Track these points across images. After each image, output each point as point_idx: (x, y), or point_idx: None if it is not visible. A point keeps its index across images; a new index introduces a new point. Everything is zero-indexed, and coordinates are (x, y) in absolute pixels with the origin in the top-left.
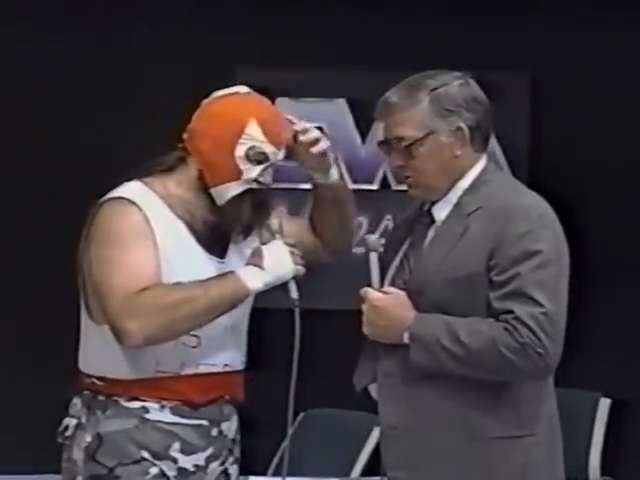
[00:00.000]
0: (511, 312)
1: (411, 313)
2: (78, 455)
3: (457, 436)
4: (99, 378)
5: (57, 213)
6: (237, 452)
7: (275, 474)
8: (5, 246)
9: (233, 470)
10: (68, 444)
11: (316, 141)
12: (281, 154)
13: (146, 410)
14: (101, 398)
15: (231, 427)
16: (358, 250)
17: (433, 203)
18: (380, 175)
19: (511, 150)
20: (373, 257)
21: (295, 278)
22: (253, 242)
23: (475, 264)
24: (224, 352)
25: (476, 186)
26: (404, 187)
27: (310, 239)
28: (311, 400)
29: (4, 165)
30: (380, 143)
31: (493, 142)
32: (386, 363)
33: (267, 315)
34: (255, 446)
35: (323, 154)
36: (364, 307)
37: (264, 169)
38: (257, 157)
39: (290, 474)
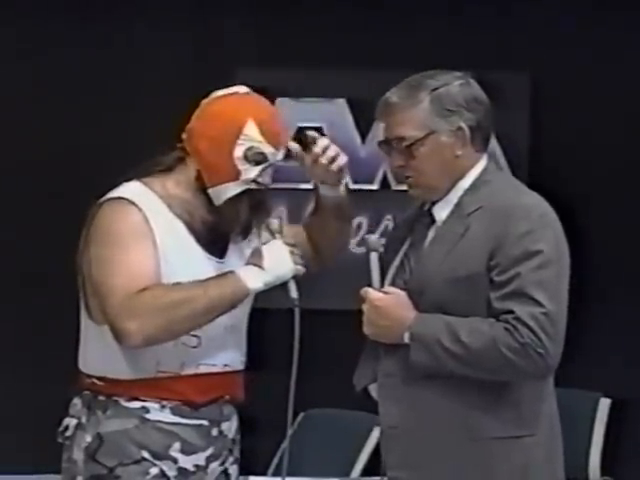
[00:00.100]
0: (512, 312)
1: (411, 313)
2: (78, 455)
3: (457, 436)
4: (99, 378)
5: (57, 213)
6: (237, 452)
7: (275, 474)
8: (5, 246)
9: (233, 470)
10: (68, 444)
11: (335, 157)
12: (280, 154)
13: (146, 410)
14: (101, 398)
15: (231, 427)
16: (358, 250)
17: (433, 203)
18: (380, 175)
19: (511, 150)
20: (373, 257)
21: (295, 278)
22: (253, 242)
23: (476, 264)
24: (224, 352)
25: (477, 186)
26: (404, 187)
27: (305, 247)
28: (311, 400)
29: (4, 165)
30: (380, 143)
31: (493, 142)
32: (386, 363)
33: (267, 315)
34: (255, 446)
35: (340, 170)
36: (364, 307)
37: (263, 170)
38: (255, 158)
39: (290, 474)
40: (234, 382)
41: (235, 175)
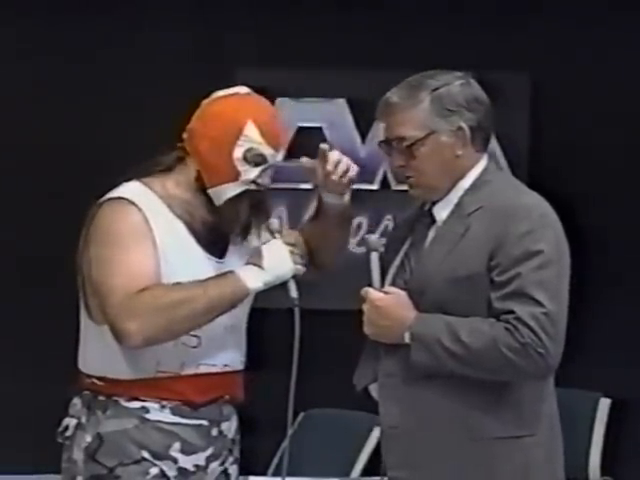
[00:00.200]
0: (512, 312)
1: (412, 313)
2: (78, 455)
3: (458, 436)
4: (99, 378)
5: (57, 213)
6: (237, 452)
7: (275, 474)
8: (5, 246)
9: (233, 470)
10: (68, 444)
11: (347, 170)
12: (279, 156)
13: (146, 410)
14: (101, 398)
15: (231, 427)
16: (358, 250)
17: (434, 203)
18: (380, 175)
19: (511, 150)
20: (374, 257)
21: (295, 277)
22: (253, 242)
23: (476, 264)
24: (224, 352)
25: (477, 186)
26: (404, 187)
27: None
28: (311, 400)
29: (4, 165)
30: (381, 143)
31: (493, 142)
32: (387, 363)
33: (267, 315)
34: (255, 446)
35: (350, 181)
36: (365, 307)
37: (262, 171)
38: (255, 159)
39: (290, 474)
40: (234, 382)
41: (235, 176)
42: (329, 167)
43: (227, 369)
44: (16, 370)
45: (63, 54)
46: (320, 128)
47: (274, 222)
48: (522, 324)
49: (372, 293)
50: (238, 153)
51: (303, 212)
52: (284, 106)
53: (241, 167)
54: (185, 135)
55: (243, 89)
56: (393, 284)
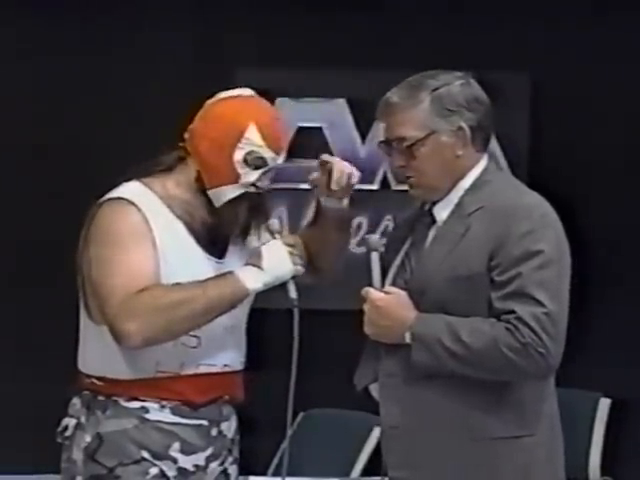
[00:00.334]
0: (513, 312)
1: (412, 313)
2: (78, 455)
3: (458, 436)
4: (99, 378)
5: (57, 213)
6: (236, 452)
7: (275, 474)
8: (5, 246)
9: (232, 470)
10: (68, 444)
11: (350, 176)
12: (280, 159)
13: (146, 410)
14: (101, 398)
15: (230, 427)
16: (358, 250)
17: (434, 203)
18: (380, 175)
19: (511, 150)
20: (374, 257)
21: (294, 278)
22: (253, 242)
23: (476, 264)
24: (224, 352)
25: (477, 186)
26: (404, 187)
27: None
28: (311, 400)
29: (4, 165)
30: (381, 143)
31: (493, 142)
32: (387, 363)
33: (266, 315)
34: (255, 446)
35: (351, 187)
36: (365, 307)
37: (262, 174)
38: (255, 162)
39: (290, 474)
40: (234, 382)
41: (234, 178)
42: (336, 176)
43: (227, 369)
44: (16, 370)
45: (63, 54)
46: (320, 128)
47: (274, 223)
48: (523, 324)
49: (373, 293)
50: (239, 155)
51: (303, 212)
52: (284, 106)
53: (241, 169)
54: (186, 135)
55: (246, 91)
56: (393, 284)
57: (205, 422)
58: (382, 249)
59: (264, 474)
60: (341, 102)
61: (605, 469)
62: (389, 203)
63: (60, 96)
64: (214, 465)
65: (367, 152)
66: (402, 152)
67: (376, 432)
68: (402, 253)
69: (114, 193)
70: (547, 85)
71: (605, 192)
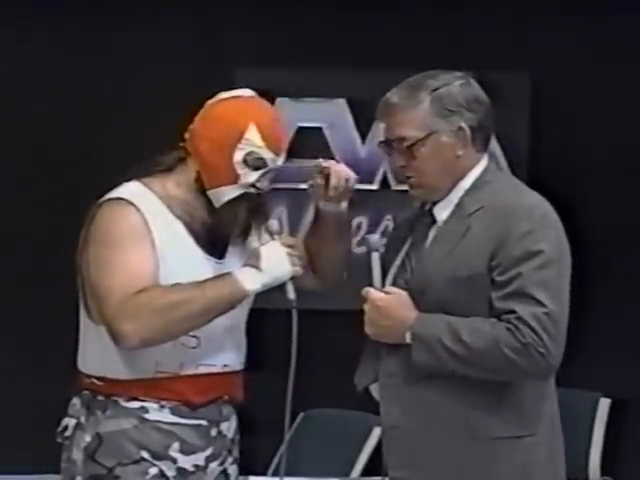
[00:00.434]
0: (513, 312)
1: (413, 313)
2: (77, 455)
3: (459, 436)
4: (98, 378)
5: (57, 213)
6: (236, 452)
7: (275, 474)
8: (5, 246)
9: (232, 470)
10: (67, 444)
11: (348, 180)
12: (280, 160)
13: (145, 410)
14: (100, 398)
15: (230, 427)
16: (359, 250)
17: (434, 203)
18: (380, 175)
19: (511, 150)
20: (375, 257)
21: (293, 279)
22: (253, 243)
23: (477, 264)
24: (223, 353)
25: (477, 186)
26: (404, 187)
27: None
28: (311, 400)
29: (4, 165)
30: (381, 143)
31: (493, 142)
32: (388, 363)
33: (266, 315)
34: (255, 446)
35: (349, 190)
36: (366, 307)
37: (262, 175)
38: (255, 163)
39: (290, 474)
40: (233, 382)
41: (234, 179)
42: (334, 182)
43: (226, 369)
44: (16, 370)
45: (63, 54)
46: (320, 128)
47: (273, 224)
48: (523, 324)
49: (373, 293)
50: (238, 156)
51: (303, 212)
52: (284, 106)
53: (241, 170)
54: (187, 135)
55: (247, 92)
56: (394, 284)
57: (204, 422)
58: (382, 249)
59: (264, 474)
60: (341, 102)
61: (605, 469)
62: (389, 203)
63: (60, 96)
64: (214, 465)
65: (367, 152)
66: (402, 152)
67: (376, 432)
68: (402, 253)
69: (114, 193)
70: (547, 85)
71: (605, 192)
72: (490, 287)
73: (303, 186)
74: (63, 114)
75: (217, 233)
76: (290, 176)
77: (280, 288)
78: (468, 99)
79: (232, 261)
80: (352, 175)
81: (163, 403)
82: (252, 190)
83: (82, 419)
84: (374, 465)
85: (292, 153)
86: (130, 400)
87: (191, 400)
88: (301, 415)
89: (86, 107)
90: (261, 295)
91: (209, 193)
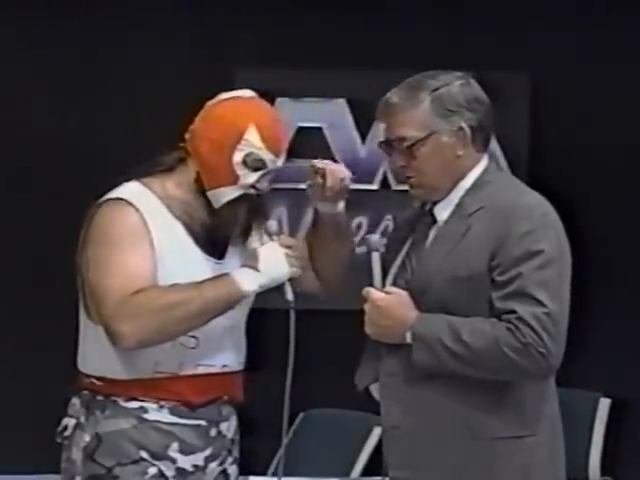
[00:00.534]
0: (513, 312)
1: (413, 313)
2: (77, 455)
3: (460, 436)
4: (98, 378)
5: (57, 213)
6: (236, 452)
7: (275, 474)
8: (5, 246)
9: (232, 470)
10: (67, 444)
11: (343, 180)
12: (280, 162)
13: (144, 410)
14: (100, 398)
15: (230, 427)
16: (359, 250)
17: (435, 203)
18: (380, 175)
19: (511, 150)
20: (375, 257)
21: (291, 280)
22: (253, 243)
23: (477, 264)
24: (222, 353)
25: (478, 186)
26: (404, 187)
27: (306, 266)
28: (311, 400)
29: (4, 165)
30: (381, 144)
31: (493, 142)
32: (388, 363)
33: (266, 315)
34: (255, 446)
35: (345, 190)
36: (366, 307)
37: (261, 176)
38: (254, 164)
39: (290, 474)
40: (233, 382)
41: (233, 179)
42: (329, 182)
43: (226, 370)
44: (16, 370)
45: (63, 54)
46: (320, 128)
47: (272, 224)
48: (523, 324)
49: (373, 293)
50: (238, 157)
51: (303, 212)
52: (284, 106)
53: (240, 171)
54: (187, 136)
55: (247, 92)
56: (394, 284)
57: (204, 422)
58: (382, 249)
59: (264, 474)
60: (341, 102)
61: (605, 469)
62: (389, 203)
63: (60, 96)
64: (213, 465)
65: (367, 152)
66: (402, 152)
67: (376, 432)
68: (403, 253)
69: (113, 193)
70: (547, 85)
71: (605, 192)
72: (490, 287)
73: (303, 186)
74: (63, 114)
75: (217, 234)
76: (290, 176)
77: (278, 289)
78: (468, 99)
79: (232, 261)
80: (347, 174)
81: (162, 403)
82: (252, 191)
83: (81, 419)
84: (374, 465)
85: (292, 153)
86: (129, 400)
87: (190, 400)
88: (301, 415)
89: (86, 107)
90: (261, 295)
91: (209, 194)
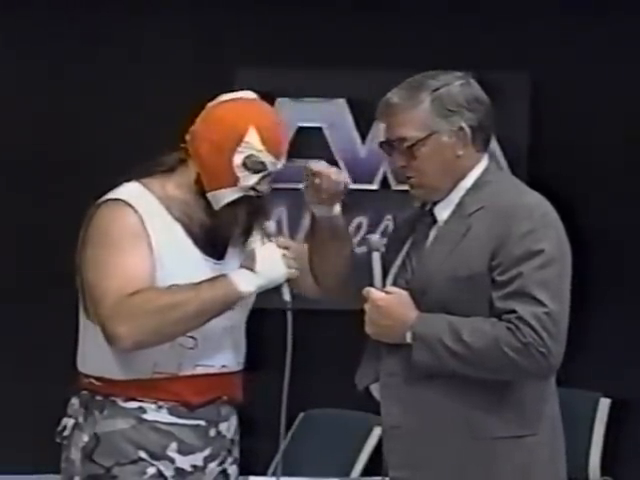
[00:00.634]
0: (514, 312)
1: (413, 313)
2: (76, 455)
3: (460, 436)
4: (97, 378)
5: (57, 213)
6: (236, 452)
7: (275, 474)
8: (5, 246)
9: (232, 470)
10: (66, 444)
11: (338, 180)
12: (280, 164)
13: (143, 410)
14: (98, 398)
15: (230, 427)
16: (359, 250)
17: (435, 203)
18: (380, 175)
19: (511, 150)
20: (375, 257)
21: (288, 281)
22: (252, 244)
23: (477, 264)
24: (221, 353)
25: (478, 186)
26: (404, 187)
27: (305, 270)
28: (311, 400)
29: (4, 165)
30: (382, 144)
31: (493, 142)
32: (388, 363)
33: (265, 315)
34: (255, 446)
35: (342, 192)
36: (367, 307)
37: (261, 178)
38: (255, 166)
39: (290, 474)
40: (232, 383)
41: (233, 181)
42: (325, 184)
43: (224, 370)
44: (16, 370)
45: (63, 54)
46: (320, 128)
47: (270, 225)
48: (524, 324)
49: (374, 293)
50: (238, 159)
51: (303, 212)
52: (284, 106)
53: (240, 173)
54: (188, 137)
55: (249, 94)
56: (394, 284)
57: (203, 422)
58: (383, 249)
59: (264, 474)
60: (341, 102)
61: (605, 469)
62: (389, 203)
63: (60, 96)
64: (213, 465)
65: (367, 152)
66: (403, 152)
67: (376, 432)
68: (403, 253)
69: (112, 194)
70: (547, 85)
71: (605, 192)
72: (491, 287)
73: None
74: (63, 114)
75: (216, 234)
76: (290, 176)
77: (276, 290)
78: (468, 99)
79: (232, 262)
80: (343, 177)
81: (161, 403)
82: (252, 193)
83: (80, 419)
84: (374, 465)
85: (292, 153)
86: (128, 400)
87: (189, 400)
88: (301, 415)
89: (86, 107)
90: (260, 295)
91: (208, 195)
